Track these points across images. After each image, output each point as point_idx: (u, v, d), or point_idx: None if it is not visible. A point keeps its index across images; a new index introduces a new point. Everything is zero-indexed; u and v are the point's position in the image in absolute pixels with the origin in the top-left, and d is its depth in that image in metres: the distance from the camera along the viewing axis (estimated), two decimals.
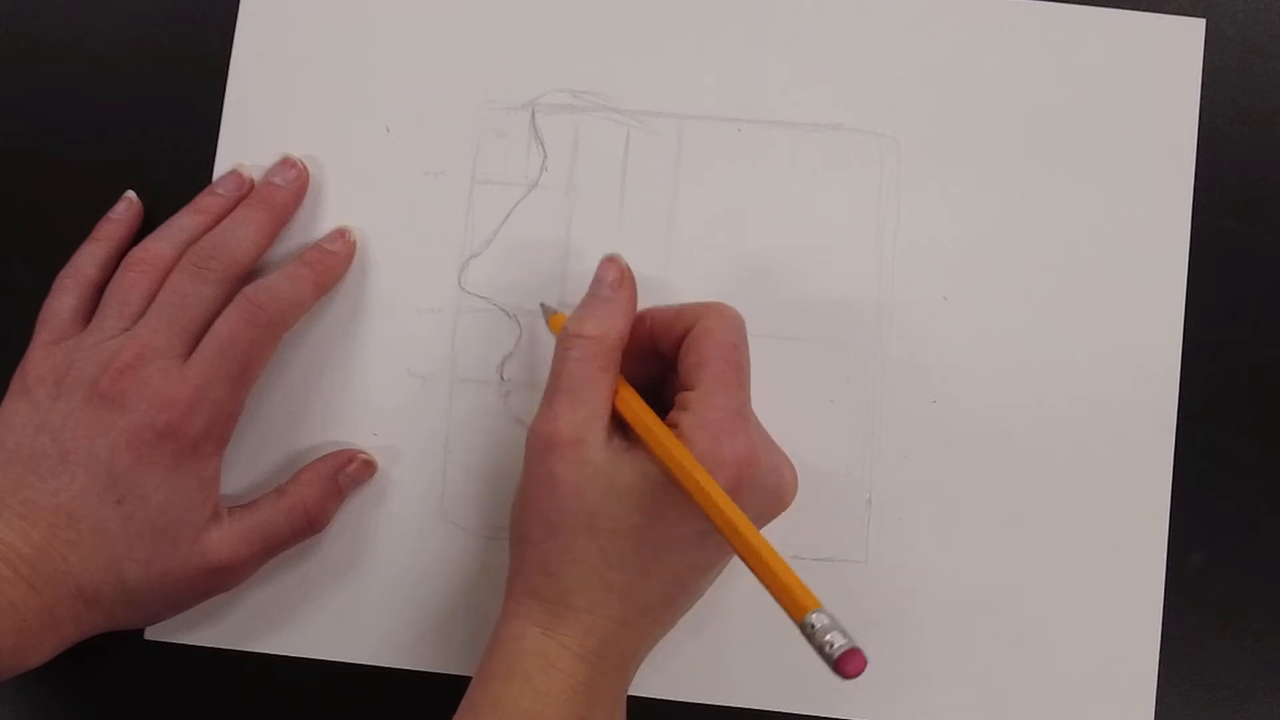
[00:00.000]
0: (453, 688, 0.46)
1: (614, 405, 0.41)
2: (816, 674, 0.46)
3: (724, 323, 0.42)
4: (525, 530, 0.41)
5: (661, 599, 0.41)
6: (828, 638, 0.33)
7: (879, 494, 0.47)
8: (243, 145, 0.49)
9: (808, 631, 0.34)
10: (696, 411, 0.40)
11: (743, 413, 0.41)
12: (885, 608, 0.46)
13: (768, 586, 0.35)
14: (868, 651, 0.33)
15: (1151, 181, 0.48)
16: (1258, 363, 0.48)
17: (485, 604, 0.46)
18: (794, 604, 0.34)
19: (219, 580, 0.44)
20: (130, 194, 0.49)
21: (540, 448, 0.41)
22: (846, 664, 0.33)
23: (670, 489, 0.39)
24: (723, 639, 0.47)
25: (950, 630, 0.46)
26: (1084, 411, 0.47)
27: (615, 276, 0.44)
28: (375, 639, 0.47)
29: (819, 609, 0.34)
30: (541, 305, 0.47)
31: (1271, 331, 0.48)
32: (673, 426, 0.40)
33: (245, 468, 0.47)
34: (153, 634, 0.47)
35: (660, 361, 0.43)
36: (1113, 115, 0.48)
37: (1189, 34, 0.48)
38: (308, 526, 0.45)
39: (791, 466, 0.43)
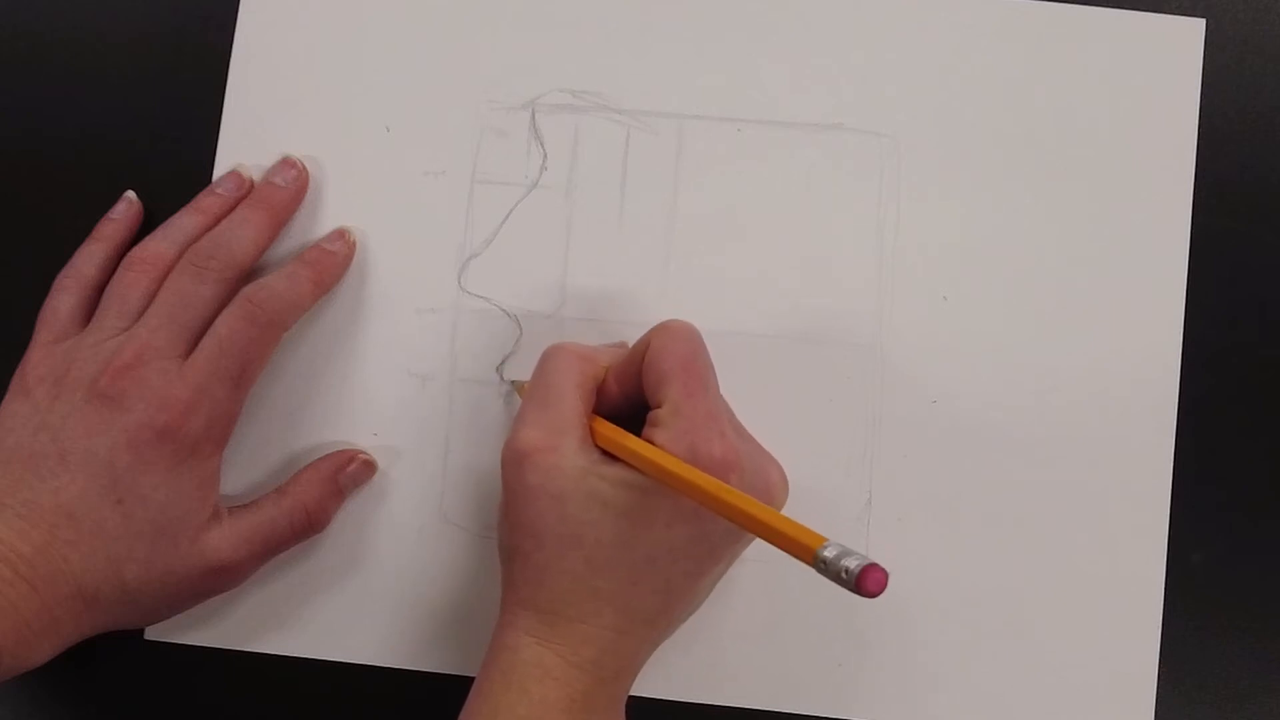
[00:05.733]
0: (452, 688, 0.46)
1: (591, 431, 0.41)
2: (816, 674, 0.46)
3: (673, 336, 0.41)
4: (513, 543, 0.41)
5: (656, 607, 0.41)
6: (842, 563, 0.33)
7: (879, 494, 0.47)
8: (243, 145, 0.49)
9: (821, 567, 0.33)
10: (668, 424, 0.40)
11: (715, 416, 0.40)
12: (885, 608, 0.46)
13: (772, 542, 0.35)
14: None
15: (1151, 181, 0.48)
16: (1258, 363, 0.48)
17: (485, 604, 0.46)
18: (800, 548, 0.34)
19: (219, 580, 0.44)
20: (130, 194, 0.49)
21: (514, 459, 0.41)
22: (866, 582, 0.32)
23: (655, 498, 0.39)
24: (723, 639, 0.47)
25: (950, 630, 0.46)
26: (1084, 411, 0.47)
27: (614, 341, 0.46)
28: (375, 639, 0.47)
29: (825, 542, 0.34)
30: (512, 384, 0.47)
31: (1272, 331, 0.48)
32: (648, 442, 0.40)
33: (245, 468, 0.47)
34: (153, 634, 0.47)
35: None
36: (1113, 115, 0.48)
37: (1189, 34, 0.48)
38: (308, 527, 0.45)
39: (780, 468, 0.43)
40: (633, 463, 0.40)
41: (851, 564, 0.32)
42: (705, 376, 0.41)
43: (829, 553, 0.33)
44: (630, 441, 0.40)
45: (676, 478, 0.38)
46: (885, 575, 0.32)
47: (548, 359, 0.43)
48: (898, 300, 0.47)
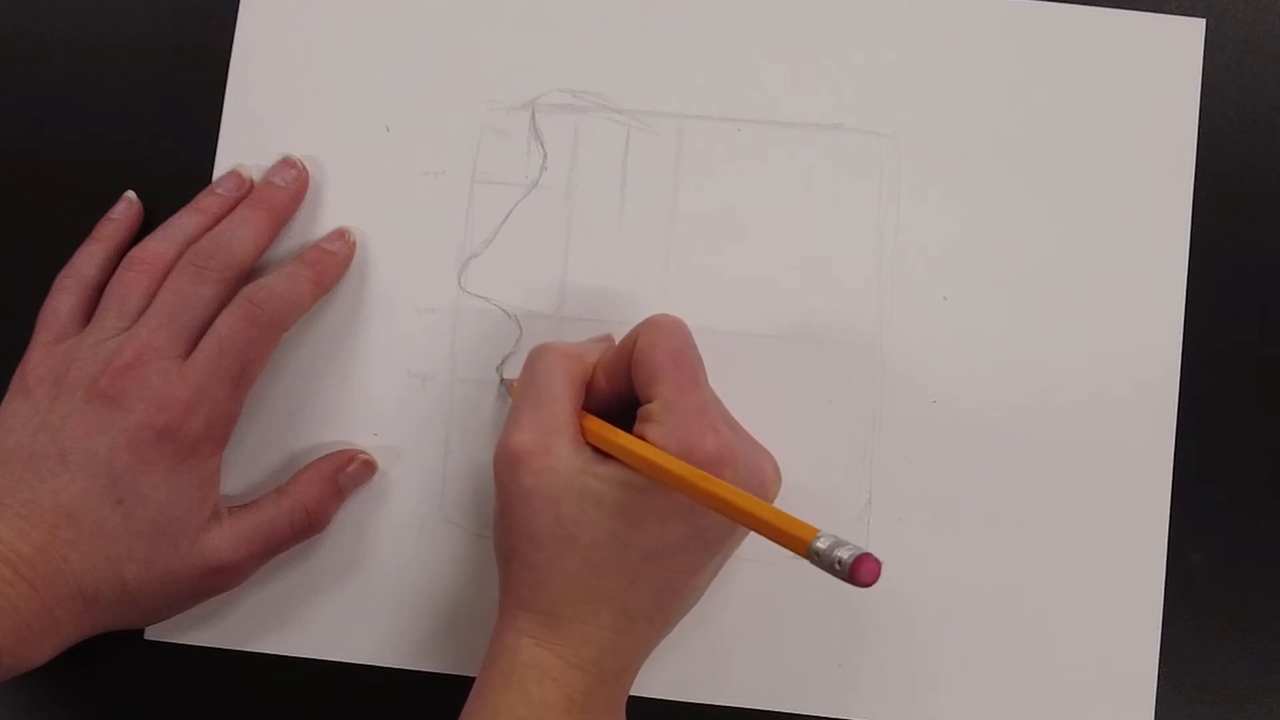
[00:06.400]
0: (452, 688, 0.46)
1: (582, 429, 0.41)
2: (816, 674, 0.46)
3: (662, 331, 0.41)
4: (509, 545, 0.41)
5: (654, 605, 0.41)
6: (835, 554, 0.33)
7: (879, 494, 0.47)
8: (243, 145, 0.49)
9: (815, 558, 0.33)
10: (659, 420, 0.40)
11: (706, 411, 0.40)
12: (885, 608, 0.46)
13: (766, 535, 0.35)
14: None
15: (1151, 181, 0.48)
16: (1258, 363, 0.48)
17: (485, 604, 0.46)
18: (794, 540, 0.34)
19: (219, 580, 0.44)
20: (130, 194, 0.49)
21: (508, 461, 0.40)
22: (860, 572, 0.32)
23: (649, 495, 0.39)
24: (723, 639, 0.47)
25: (950, 630, 0.46)
26: (1084, 411, 0.47)
27: (600, 335, 0.46)
28: (375, 639, 0.47)
29: (818, 534, 0.34)
30: (502, 380, 0.47)
31: (1272, 331, 0.48)
32: (639, 438, 0.40)
33: (245, 468, 0.47)
34: (153, 634, 0.47)
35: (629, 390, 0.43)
36: (1113, 115, 0.48)
37: (1189, 34, 0.48)
38: (308, 527, 0.45)
39: (772, 460, 0.43)
40: (625, 460, 0.40)
41: (844, 554, 0.33)
42: (695, 371, 0.41)
43: (822, 544, 0.33)
44: (622, 439, 0.40)
45: (669, 474, 0.38)
46: (878, 564, 0.32)
47: (535, 359, 0.42)
48: (898, 300, 0.47)
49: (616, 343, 0.44)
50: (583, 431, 0.41)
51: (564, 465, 0.40)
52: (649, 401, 0.41)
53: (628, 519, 0.39)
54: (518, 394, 0.42)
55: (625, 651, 0.41)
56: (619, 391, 0.42)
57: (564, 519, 0.40)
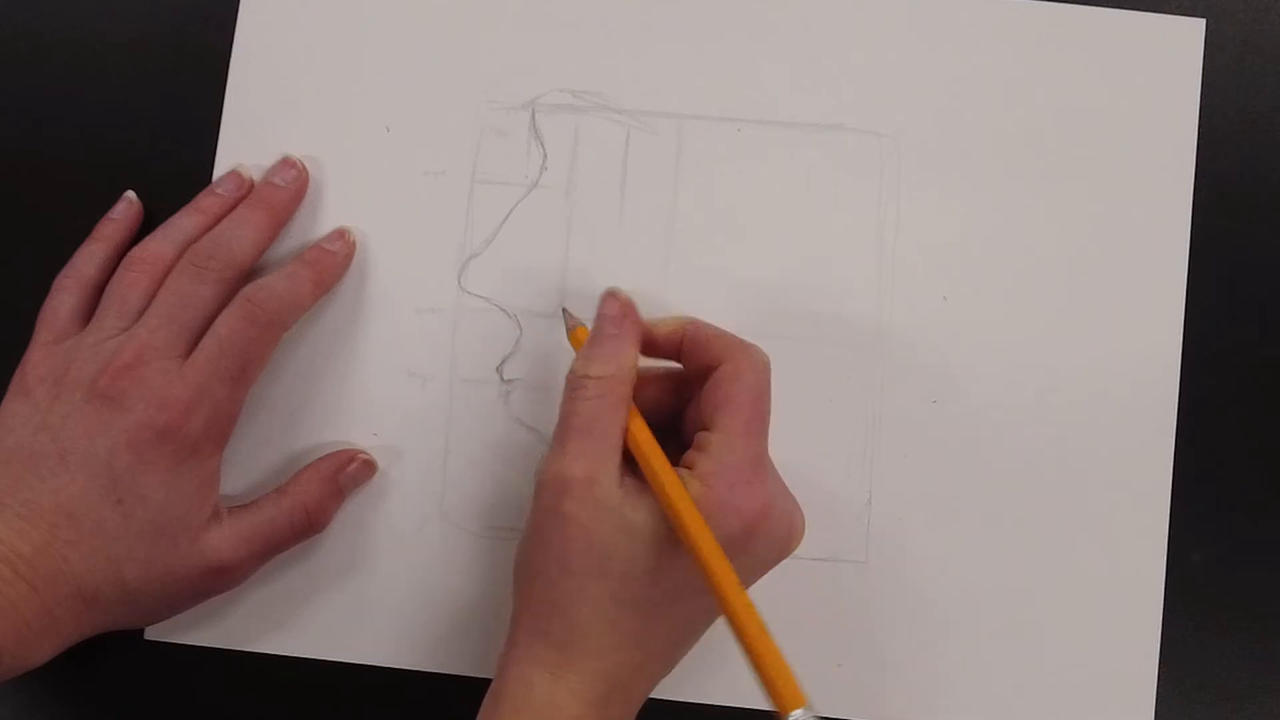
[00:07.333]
0: (452, 688, 0.46)
1: (626, 435, 0.41)
2: (816, 674, 0.46)
3: (753, 369, 0.41)
4: (536, 567, 0.40)
5: (670, 643, 0.40)
6: None
7: (879, 494, 0.47)
8: (243, 145, 0.49)
9: None
10: (714, 455, 0.39)
11: (761, 462, 0.40)
12: (885, 608, 0.46)
13: (755, 668, 0.35)
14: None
15: (1151, 181, 0.48)
16: (1258, 363, 0.48)
17: (485, 604, 0.46)
18: (781, 697, 0.34)
19: (219, 580, 0.44)
20: (130, 194, 0.49)
21: (552, 488, 0.40)
22: None
23: None
24: (723, 639, 0.46)
25: (950, 630, 0.46)
26: (1084, 411, 0.47)
27: (618, 312, 0.42)
28: (375, 639, 0.47)
29: (805, 707, 0.33)
30: (564, 312, 0.45)
31: (1272, 331, 0.48)
32: (689, 466, 0.40)
33: (245, 468, 0.47)
34: (153, 634, 0.47)
35: (681, 387, 0.43)
36: (1113, 115, 0.48)
37: (1189, 34, 0.48)
38: (308, 527, 0.45)
39: (801, 514, 0.42)
40: (657, 496, 0.39)
41: None
42: (765, 420, 0.41)
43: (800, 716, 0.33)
44: (661, 472, 0.39)
45: (689, 540, 0.38)
46: None
47: (581, 388, 0.41)
48: (898, 300, 0.47)
49: (691, 327, 0.43)
50: (625, 437, 0.40)
51: (607, 496, 0.39)
52: (709, 428, 0.40)
53: (660, 554, 0.39)
54: (565, 417, 0.41)
55: (635, 688, 0.40)
56: (662, 400, 0.43)
57: (597, 549, 0.39)
